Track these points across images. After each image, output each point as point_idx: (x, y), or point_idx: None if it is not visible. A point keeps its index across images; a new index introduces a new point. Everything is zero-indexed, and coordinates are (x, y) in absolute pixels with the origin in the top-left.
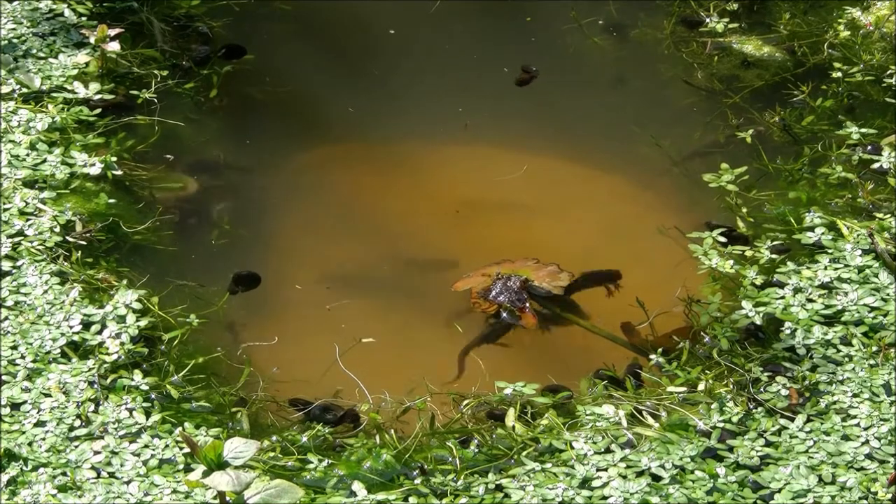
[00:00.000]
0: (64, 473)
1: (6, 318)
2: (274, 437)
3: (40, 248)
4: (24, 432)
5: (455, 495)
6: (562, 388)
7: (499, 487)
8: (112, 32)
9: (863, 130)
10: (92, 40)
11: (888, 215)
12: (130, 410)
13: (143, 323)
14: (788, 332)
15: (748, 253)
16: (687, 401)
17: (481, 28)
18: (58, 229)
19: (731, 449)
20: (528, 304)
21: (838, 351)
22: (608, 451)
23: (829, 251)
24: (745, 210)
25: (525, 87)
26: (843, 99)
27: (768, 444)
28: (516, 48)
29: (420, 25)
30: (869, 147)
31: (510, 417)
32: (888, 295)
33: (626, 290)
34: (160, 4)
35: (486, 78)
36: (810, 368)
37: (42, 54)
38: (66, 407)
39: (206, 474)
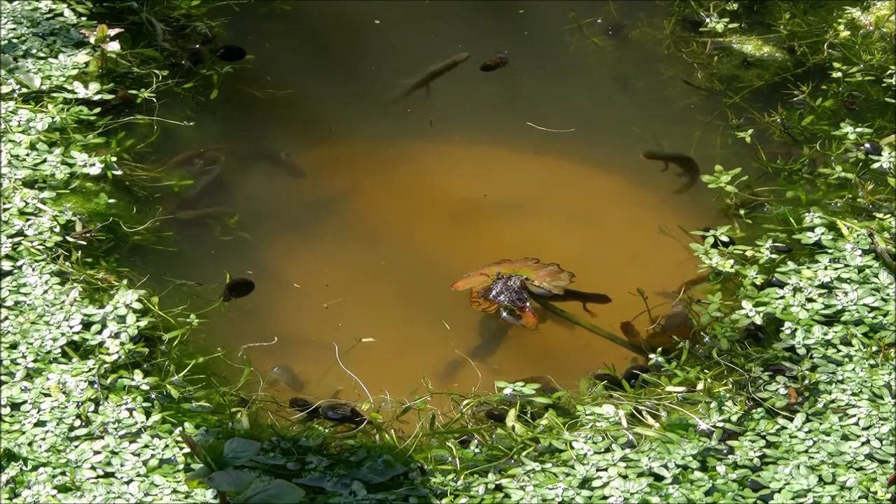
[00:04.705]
0: (64, 473)
1: (6, 318)
2: (274, 437)
3: (40, 248)
4: (24, 432)
5: (455, 495)
6: (556, 390)
7: (499, 487)
8: (112, 32)
9: (859, 130)
10: (92, 40)
11: (888, 215)
12: (130, 410)
13: (143, 323)
14: (788, 332)
15: (748, 253)
16: (687, 400)
17: (480, 26)
18: (58, 229)
19: (730, 449)
20: (528, 304)
21: (838, 351)
22: (608, 451)
23: (829, 251)
24: (742, 211)
25: (525, 88)
26: (843, 98)
27: (768, 444)
28: (516, 47)
29: (420, 23)
30: (867, 146)
31: (510, 417)
32: (888, 295)
33: (627, 290)
34: (160, 4)
35: (485, 77)
36: (810, 368)
37: (42, 54)
38: (66, 407)
39: (206, 474)
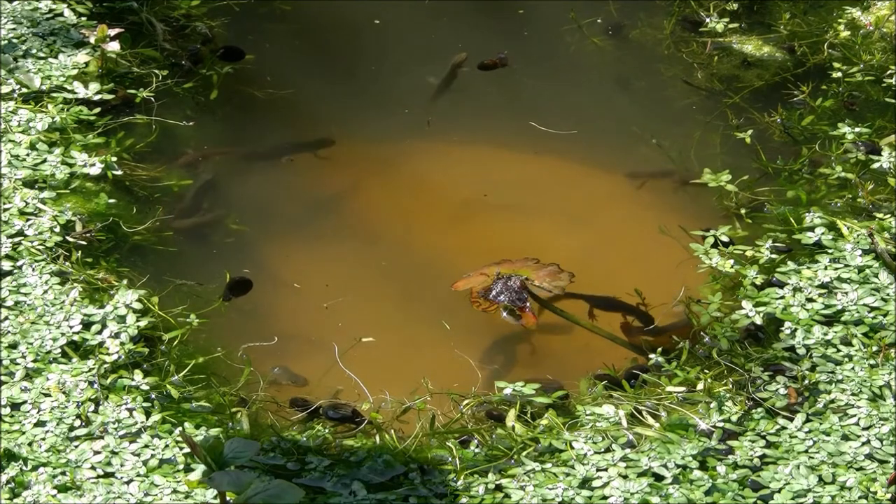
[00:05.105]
0: (64, 473)
1: (6, 318)
2: (274, 437)
3: (40, 248)
4: (24, 432)
5: (455, 495)
6: (557, 386)
7: (499, 487)
8: (112, 32)
9: (857, 130)
10: (92, 40)
11: (888, 215)
12: (130, 410)
13: (143, 323)
14: (788, 332)
15: (748, 253)
16: (687, 400)
17: (480, 26)
18: (58, 229)
19: (730, 449)
20: (528, 304)
21: (838, 351)
22: (608, 451)
23: (829, 251)
24: (743, 211)
25: (525, 88)
26: (843, 98)
27: (768, 444)
28: (516, 47)
29: (420, 23)
30: (860, 144)
31: (510, 417)
32: (888, 295)
33: (626, 291)
34: (160, 4)
35: (485, 77)
36: (810, 368)
37: (42, 54)
38: (66, 407)
39: (206, 474)
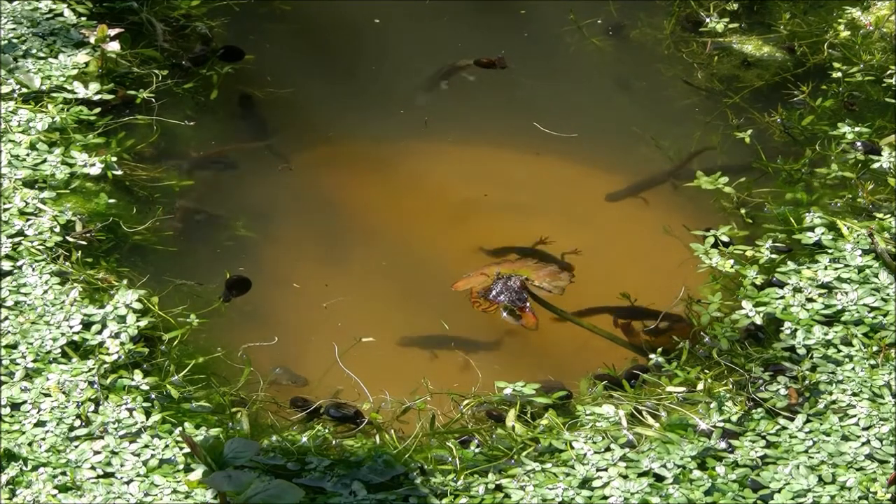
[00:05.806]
0: (64, 473)
1: (6, 318)
2: (274, 437)
3: (40, 248)
4: (24, 432)
5: (455, 495)
6: (558, 386)
7: (499, 487)
8: (112, 32)
9: (857, 130)
10: (92, 40)
11: (888, 215)
12: (130, 410)
13: (143, 323)
14: (788, 332)
15: (748, 253)
16: (687, 401)
17: (480, 26)
18: (58, 229)
19: (731, 449)
20: (528, 304)
21: (838, 351)
22: (608, 450)
23: (829, 251)
24: (743, 211)
25: (525, 88)
26: (843, 98)
27: (768, 444)
28: (516, 48)
29: (420, 23)
30: (858, 144)
31: (510, 417)
32: (888, 295)
33: (626, 291)
34: (160, 4)
35: (486, 78)
36: (810, 368)
37: (42, 54)
38: (66, 407)
39: (206, 474)
